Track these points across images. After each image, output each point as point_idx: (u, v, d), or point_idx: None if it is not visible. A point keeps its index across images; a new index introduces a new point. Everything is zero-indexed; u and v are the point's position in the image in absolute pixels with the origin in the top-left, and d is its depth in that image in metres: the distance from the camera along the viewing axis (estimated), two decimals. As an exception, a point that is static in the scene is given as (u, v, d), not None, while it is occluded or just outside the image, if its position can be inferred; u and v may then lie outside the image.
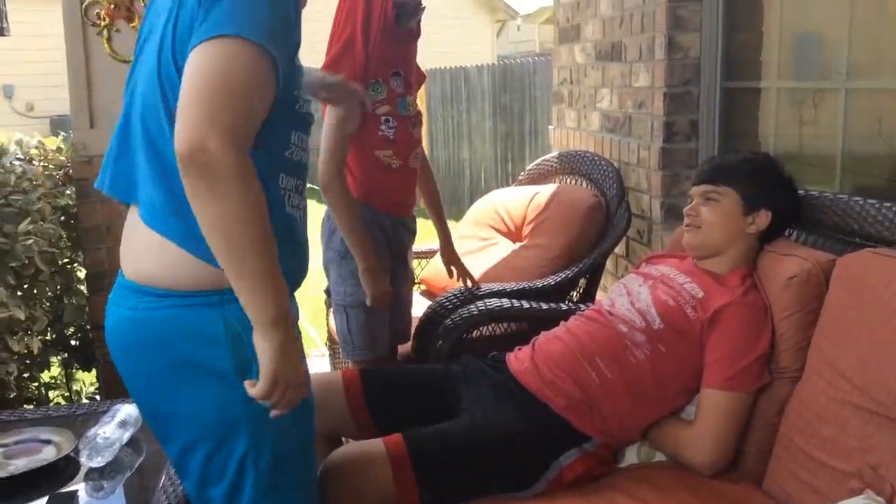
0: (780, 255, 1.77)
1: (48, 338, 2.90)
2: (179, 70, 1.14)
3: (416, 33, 2.25)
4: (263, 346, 1.16)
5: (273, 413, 1.20)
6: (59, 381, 3.12)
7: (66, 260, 2.94)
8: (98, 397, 3.08)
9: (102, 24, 2.70)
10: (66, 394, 3.09)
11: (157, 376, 1.25)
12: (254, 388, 1.17)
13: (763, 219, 1.82)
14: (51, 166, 2.83)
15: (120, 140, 1.28)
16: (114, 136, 1.30)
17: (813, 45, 2.44)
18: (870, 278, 1.50)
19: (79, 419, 1.87)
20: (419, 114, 2.34)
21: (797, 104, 2.47)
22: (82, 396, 3.14)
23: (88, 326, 3.01)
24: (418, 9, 2.15)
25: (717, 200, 1.84)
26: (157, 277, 1.22)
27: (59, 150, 2.90)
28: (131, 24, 2.72)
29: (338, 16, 2.12)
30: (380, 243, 2.20)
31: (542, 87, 7.95)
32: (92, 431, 1.67)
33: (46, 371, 2.97)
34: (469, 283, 2.55)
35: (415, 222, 2.41)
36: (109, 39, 2.73)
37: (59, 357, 3.02)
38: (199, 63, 1.10)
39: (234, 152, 1.07)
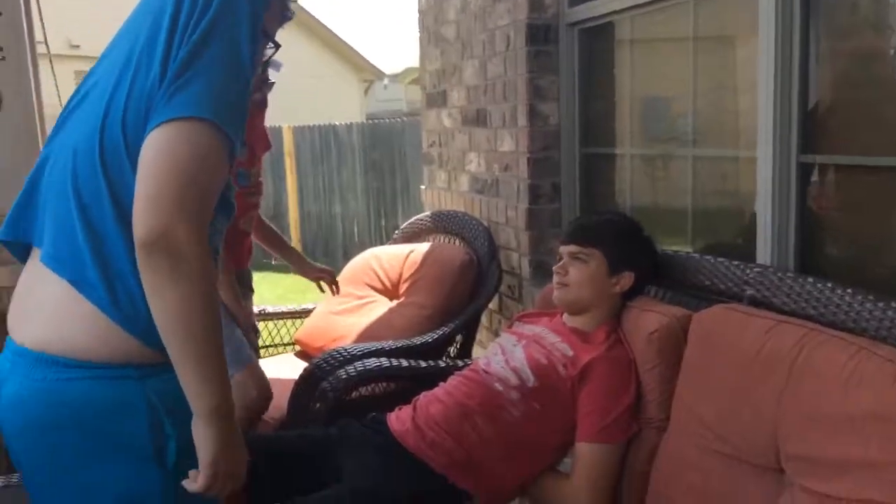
0: (640, 311, 1.88)
1: None
2: (127, 142, 1.12)
3: (263, 105, 2.29)
4: (207, 435, 1.11)
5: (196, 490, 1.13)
6: None
7: None
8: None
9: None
10: None
11: (67, 452, 1.17)
12: (194, 483, 1.12)
13: (626, 280, 1.93)
14: None
15: (27, 193, 1.24)
16: (25, 184, 1.25)
17: (662, 113, 2.64)
18: (723, 332, 1.62)
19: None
20: (260, 184, 2.46)
21: (650, 168, 2.65)
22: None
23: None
24: (266, 83, 2.20)
25: (585, 261, 1.94)
26: (75, 348, 1.14)
27: None
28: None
29: None
30: None
31: (412, 145, 8.11)
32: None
33: None
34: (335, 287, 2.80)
35: (249, 277, 2.56)
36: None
37: None
38: (163, 144, 1.07)
39: (199, 240, 1.06)
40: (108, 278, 1.13)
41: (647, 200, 2.62)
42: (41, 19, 2.89)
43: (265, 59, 1.34)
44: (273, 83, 2.25)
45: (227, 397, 1.12)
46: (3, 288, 2.67)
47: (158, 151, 1.07)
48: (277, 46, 1.35)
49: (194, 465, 1.14)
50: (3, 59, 2.59)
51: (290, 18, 1.38)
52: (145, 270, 1.06)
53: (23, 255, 1.28)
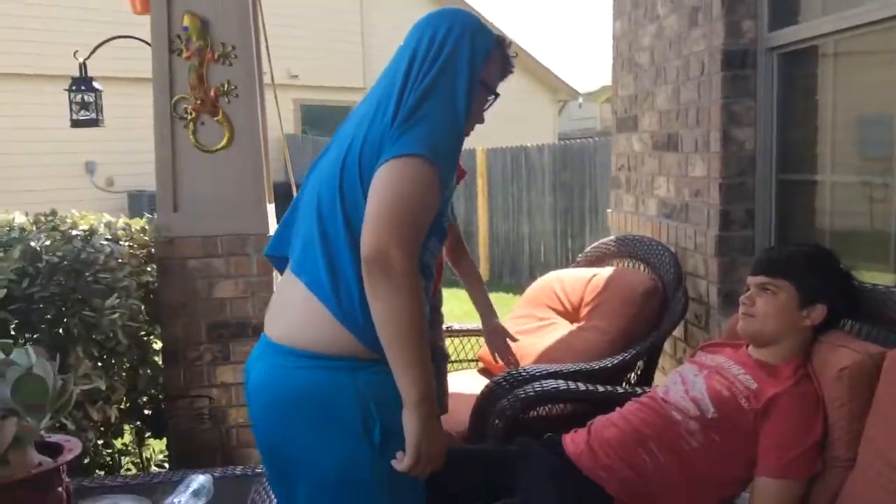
0: (832, 346, 1.80)
1: (123, 406, 3.05)
2: (362, 173, 1.38)
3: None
4: (412, 422, 1.34)
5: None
6: (130, 448, 3.26)
7: (143, 333, 3.11)
8: (167, 464, 3.21)
9: (189, 117, 2.93)
10: (137, 461, 3.22)
11: (297, 426, 1.41)
12: (400, 463, 1.35)
13: (818, 313, 1.85)
14: (135, 245, 3.04)
15: (289, 215, 1.56)
16: (290, 207, 1.58)
17: (868, 139, 2.49)
18: (920, 373, 1.53)
19: (156, 487, 1.98)
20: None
21: (852, 196, 2.51)
22: (152, 463, 3.27)
23: (162, 396, 3.16)
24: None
25: (774, 293, 1.88)
26: (304, 340, 1.41)
27: (143, 230, 3.11)
28: (215, 119, 2.94)
29: None
30: None
31: (603, 164, 8.07)
32: (168, 500, 1.77)
33: (119, 438, 3.11)
34: (510, 365, 2.61)
35: (439, 300, 2.50)
36: (195, 132, 2.95)
37: (132, 425, 3.17)
38: (388, 177, 1.33)
39: (409, 261, 1.30)
40: (335, 282, 1.38)
41: (848, 230, 2.49)
42: (268, 54, 3.24)
43: (486, 107, 1.55)
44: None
45: (430, 392, 1.34)
46: (225, 299, 3.04)
47: (383, 182, 1.33)
48: (496, 96, 1.55)
49: (398, 447, 1.36)
50: (237, 96, 2.94)
51: (510, 73, 1.58)
52: (366, 280, 1.31)
53: (282, 266, 1.57)
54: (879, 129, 2.36)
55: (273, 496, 1.84)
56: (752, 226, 2.74)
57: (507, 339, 2.66)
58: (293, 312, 1.44)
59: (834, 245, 2.13)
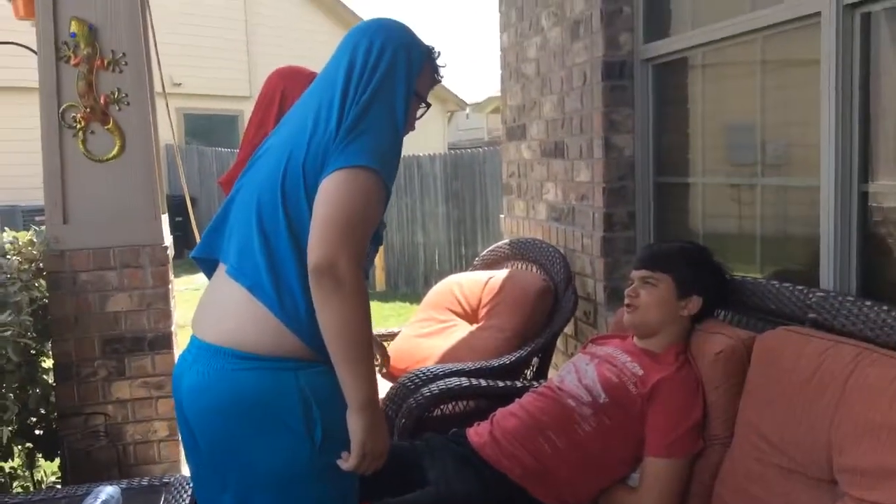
0: (708, 333, 1.98)
1: (11, 428, 2.93)
2: (306, 182, 1.41)
3: None
4: (358, 423, 1.39)
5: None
6: (20, 472, 3.13)
7: (32, 350, 3.00)
8: (59, 486, 3.10)
9: (78, 126, 2.87)
10: (28, 484, 3.10)
11: (240, 428, 1.42)
12: (346, 462, 1.41)
13: (695, 303, 2.03)
14: (23, 259, 2.93)
15: (218, 220, 1.56)
16: (218, 212, 1.57)
17: (733, 144, 2.72)
18: (783, 352, 1.71)
19: (59, 502, 1.94)
20: None
21: (721, 197, 2.73)
22: (44, 486, 3.15)
23: (54, 415, 3.05)
24: None
25: (655, 285, 2.05)
26: (247, 343, 1.42)
27: (31, 243, 3.00)
28: (106, 127, 2.88)
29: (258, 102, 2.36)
30: None
31: (492, 174, 8.28)
32: (77, 512, 1.75)
33: (9, 461, 2.99)
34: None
35: None
36: (84, 141, 2.88)
37: (22, 446, 3.05)
38: (336, 188, 1.36)
39: (358, 270, 1.34)
40: (278, 287, 1.41)
41: (719, 227, 2.71)
42: (158, 61, 3.20)
43: (419, 115, 1.63)
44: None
45: (375, 393, 1.41)
46: (119, 312, 2.97)
47: (331, 193, 1.36)
48: (428, 106, 1.64)
49: (338, 447, 1.41)
50: (128, 104, 2.90)
51: (439, 82, 1.66)
52: (315, 289, 1.34)
53: (209, 271, 1.59)
54: (744, 134, 2.59)
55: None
56: (633, 227, 2.93)
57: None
58: (233, 315, 1.45)
59: (707, 242, 2.32)
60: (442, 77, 1.65)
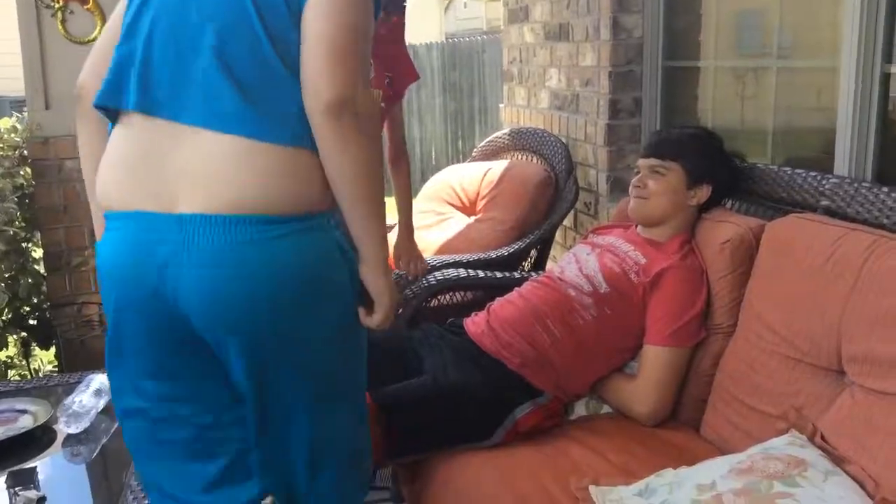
0: (715, 222, 1.91)
1: (4, 317, 2.92)
2: None
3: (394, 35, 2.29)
4: (383, 281, 1.27)
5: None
6: (16, 360, 3.14)
7: (20, 239, 2.95)
8: (55, 374, 3.11)
9: (56, 6, 2.71)
10: (25, 373, 3.11)
11: (285, 302, 1.19)
12: (371, 318, 1.30)
13: (704, 192, 1.96)
14: (5, 147, 2.84)
15: (127, 56, 1.22)
16: (131, 52, 1.22)
17: (749, 25, 2.58)
18: (794, 241, 1.65)
19: (53, 390, 1.92)
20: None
21: (733, 81, 2.62)
22: (41, 374, 3.17)
23: (46, 304, 3.03)
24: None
25: (663, 174, 1.97)
26: (272, 202, 1.16)
27: (13, 129, 2.90)
28: (85, 7, 2.73)
29: None
30: None
31: (491, 64, 8.05)
32: (69, 399, 1.73)
33: (3, 350, 2.99)
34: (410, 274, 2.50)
35: None
36: (64, 21, 2.74)
37: (16, 336, 3.04)
38: (334, 5, 1.16)
39: (370, 99, 1.19)
40: (281, 125, 1.17)
41: (730, 114, 2.60)
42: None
43: None
44: (405, 5, 2.26)
45: (388, 246, 1.29)
46: None
47: (330, 11, 1.16)
48: None
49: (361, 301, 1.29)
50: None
51: None
52: (331, 132, 1.14)
53: (113, 119, 1.26)
54: (759, 15, 2.45)
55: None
56: (639, 114, 2.82)
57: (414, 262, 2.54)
58: (234, 173, 1.15)
59: (717, 130, 2.22)
60: None
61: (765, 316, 1.66)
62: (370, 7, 1.20)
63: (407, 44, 2.54)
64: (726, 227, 1.85)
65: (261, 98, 1.17)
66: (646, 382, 1.82)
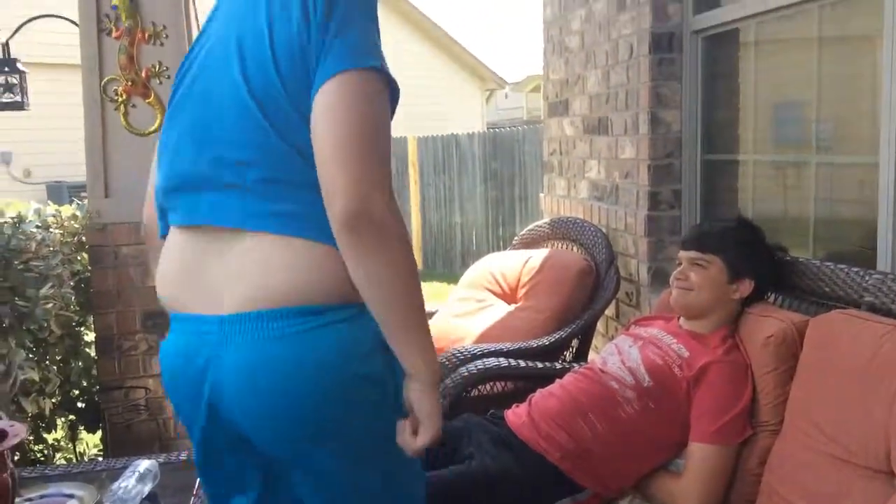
0: (758, 316, 1.90)
1: (55, 400, 2.98)
2: (286, 87, 1.09)
3: None
4: (430, 399, 1.14)
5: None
6: (63, 444, 3.18)
7: (74, 323, 3.04)
8: (101, 458, 3.15)
9: (120, 99, 2.87)
10: (71, 456, 3.15)
11: (323, 399, 1.12)
12: (414, 441, 1.14)
13: (746, 287, 1.96)
14: (65, 233, 2.96)
15: (179, 171, 1.21)
16: (169, 171, 1.22)
17: (787, 119, 2.62)
18: (839, 337, 1.63)
19: (98, 474, 1.95)
20: None
21: (773, 173, 2.64)
22: (86, 458, 3.21)
23: (96, 388, 3.09)
24: None
25: (705, 267, 1.97)
26: (304, 293, 1.10)
27: (73, 217, 3.03)
28: (147, 101, 2.88)
29: None
30: None
31: (531, 154, 8.19)
32: (115, 485, 1.75)
33: (52, 433, 3.04)
34: None
35: None
36: (126, 114, 2.89)
37: (65, 419, 3.09)
38: (342, 99, 1.06)
39: (394, 204, 1.06)
40: (306, 212, 1.10)
41: (770, 207, 2.62)
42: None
43: None
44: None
45: (438, 365, 1.15)
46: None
47: (339, 106, 1.06)
48: None
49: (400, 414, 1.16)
50: (169, 77, 2.89)
51: None
52: (351, 244, 1.05)
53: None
54: (797, 110, 2.49)
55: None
56: (679, 205, 2.85)
57: None
58: (265, 269, 1.12)
59: (757, 222, 2.23)
60: None
61: (811, 414, 1.63)
62: (384, 97, 1.10)
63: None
64: (770, 322, 1.84)
65: (289, 197, 1.13)
66: (692, 481, 1.79)
